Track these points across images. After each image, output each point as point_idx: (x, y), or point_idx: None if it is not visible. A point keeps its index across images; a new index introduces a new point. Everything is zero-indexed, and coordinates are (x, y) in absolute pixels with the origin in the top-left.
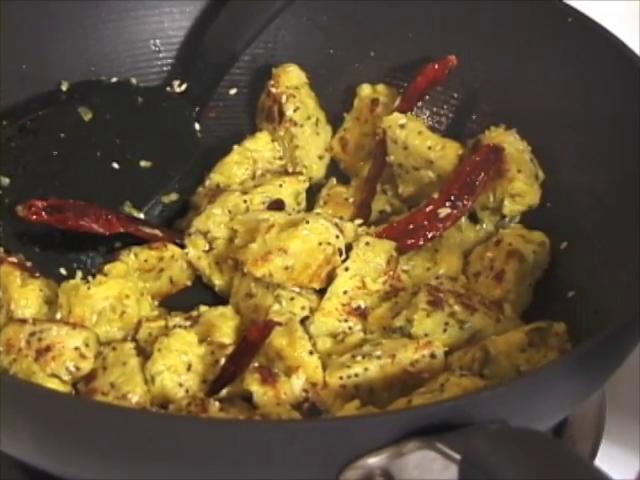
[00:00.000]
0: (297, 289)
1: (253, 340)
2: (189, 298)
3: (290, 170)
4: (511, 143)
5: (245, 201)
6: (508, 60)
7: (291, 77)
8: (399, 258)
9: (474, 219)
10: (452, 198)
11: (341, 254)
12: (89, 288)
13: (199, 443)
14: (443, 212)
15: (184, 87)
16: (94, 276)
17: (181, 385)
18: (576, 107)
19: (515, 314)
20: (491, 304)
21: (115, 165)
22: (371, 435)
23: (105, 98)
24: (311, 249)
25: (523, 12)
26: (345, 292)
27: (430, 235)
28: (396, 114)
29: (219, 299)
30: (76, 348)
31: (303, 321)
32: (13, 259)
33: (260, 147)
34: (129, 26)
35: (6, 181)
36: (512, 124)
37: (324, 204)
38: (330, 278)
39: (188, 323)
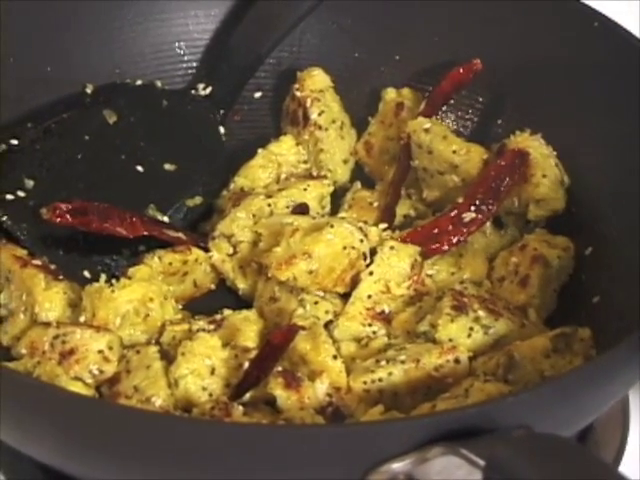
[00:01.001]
0: (321, 293)
1: (277, 344)
2: (213, 302)
3: (314, 174)
4: (536, 148)
5: (269, 205)
6: (533, 64)
7: (316, 81)
8: (423, 263)
9: (499, 224)
10: (477, 203)
11: (365, 258)
12: (113, 291)
13: (222, 447)
14: (468, 217)
15: (209, 90)
16: (118, 279)
17: (205, 389)
18: (602, 112)
19: (539, 319)
20: (515, 309)
21: (139, 168)
22: (395, 440)
23: (130, 101)
24: (335, 253)
25: (548, 16)
26: (369, 296)
27: (455, 240)
28: (421, 118)
29: (243, 303)
30: (100, 351)
31: (327, 325)
32: (37, 262)
33: (284, 151)
34: (154, 29)
35: (30, 183)
36: (537, 129)
37: (348, 208)
38: (354, 282)
39: (212, 327)
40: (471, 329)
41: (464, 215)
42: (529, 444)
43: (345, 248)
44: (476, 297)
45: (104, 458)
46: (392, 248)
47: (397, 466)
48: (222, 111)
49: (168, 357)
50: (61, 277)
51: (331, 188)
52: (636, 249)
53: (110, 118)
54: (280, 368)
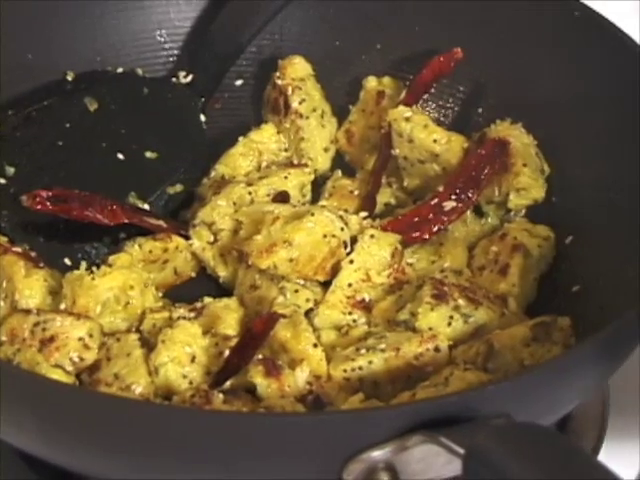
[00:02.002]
0: (302, 281)
1: (257, 332)
2: (193, 289)
3: (295, 162)
4: (517, 137)
5: (250, 193)
6: (514, 53)
7: (297, 69)
8: (404, 251)
9: (479, 213)
10: (457, 191)
11: (346, 247)
12: (93, 279)
13: (202, 435)
14: (448, 205)
15: (190, 78)
16: (98, 267)
17: (185, 377)
18: (583, 102)
19: (519, 308)
20: (495, 298)
21: (120, 156)
22: (375, 428)
23: (111, 88)
24: (316, 241)
25: (528, 5)
26: (350, 285)
27: (435, 228)
28: (401, 107)
29: (223, 291)
30: (80, 339)
31: (307, 313)
32: (17, 249)
33: (265, 139)
34: (135, 16)
35: (11, 171)
36: (518, 118)
37: (329, 196)
38: (335, 271)
39: (192, 314)
40: (451, 318)
41: (445, 204)
42: (509, 433)
43: (326, 236)
44: (456, 286)
45: (84, 446)
46: (372, 236)
47: (377, 454)
48: (203, 99)
49: (148, 345)
50: (41, 264)
51: (312, 176)
52: (616, 239)
53: (91, 106)
54: (260, 356)
